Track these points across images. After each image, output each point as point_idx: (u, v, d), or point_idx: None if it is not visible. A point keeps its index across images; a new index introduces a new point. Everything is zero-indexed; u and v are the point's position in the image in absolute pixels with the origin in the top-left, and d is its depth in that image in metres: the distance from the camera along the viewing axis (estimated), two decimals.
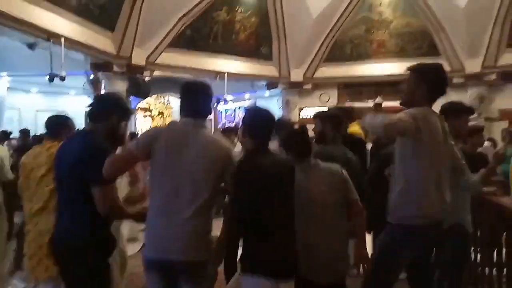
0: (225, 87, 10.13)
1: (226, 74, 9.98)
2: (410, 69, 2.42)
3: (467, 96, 9.36)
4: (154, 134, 2.06)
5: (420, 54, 9.64)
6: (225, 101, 11.42)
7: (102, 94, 2.15)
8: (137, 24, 7.92)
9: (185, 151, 1.97)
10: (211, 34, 9.43)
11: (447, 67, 9.36)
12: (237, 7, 9.37)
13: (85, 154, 1.96)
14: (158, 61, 8.96)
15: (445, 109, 2.88)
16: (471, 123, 3.18)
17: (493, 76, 9.03)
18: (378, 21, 9.76)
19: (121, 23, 7.73)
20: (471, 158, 2.85)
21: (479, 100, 9.18)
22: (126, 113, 2.27)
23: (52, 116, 2.93)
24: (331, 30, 9.98)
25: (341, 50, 10.41)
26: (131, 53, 8.26)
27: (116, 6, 7.49)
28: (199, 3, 8.64)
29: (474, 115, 9.20)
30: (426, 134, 2.14)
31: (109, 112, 2.16)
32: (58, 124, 2.83)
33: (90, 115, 2.18)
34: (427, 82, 2.31)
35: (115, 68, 8.27)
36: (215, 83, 10.15)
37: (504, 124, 8.58)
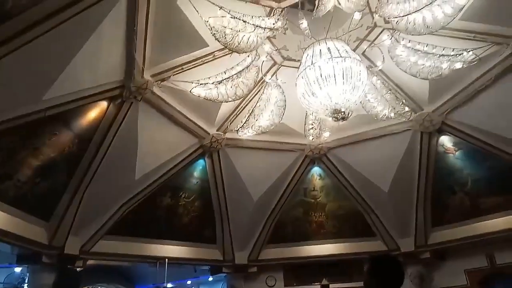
0: (165, 273, 9.53)
1: (166, 260, 9.53)
2: (367, 259, 2.47)
3: (408, 275, 9.53)
4: None
5: (356, 235, 10.13)
6: None
7: None
8: (76, 213, 7.76)
9: None
10: (154, 219, 9.40)
11: (383, 247, 9.91)
12: (181, 192, 9.70)
13: None
14: (94, 249, 8.49)
15: None
16: None
17: (427, 255, 9.47)
18: (314, 204, 10.44)
19: (58, 212, 7.55)
20: None
21: (419, 279, 9.35)
22: None
23: None
24: (271, 212, 10.39)
25: (283, 231, 10.65)
26: (65, 242, 7.82)
27: (56, 195, 7.43)
28: (143, 189, 8.87)
29: None
30: None
31: None
32: None
33: None
34: (377, 275, 2.31)
35: (44, 259, 7.63)
36: (155, 270, 9.60)
37: None
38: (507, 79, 7.20)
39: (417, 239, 9.49)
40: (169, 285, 11.29)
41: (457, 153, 8.79)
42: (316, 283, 10.15)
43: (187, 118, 8.40)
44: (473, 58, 6.46)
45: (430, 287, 9.43)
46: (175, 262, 9.76)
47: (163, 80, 7.40)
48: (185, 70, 7.35)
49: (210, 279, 11.49)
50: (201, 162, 9.61)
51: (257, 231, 10.52)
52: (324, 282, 10.01)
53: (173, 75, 7.36)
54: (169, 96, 7.90)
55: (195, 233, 10.09)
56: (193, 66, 7.34)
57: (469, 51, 6.47)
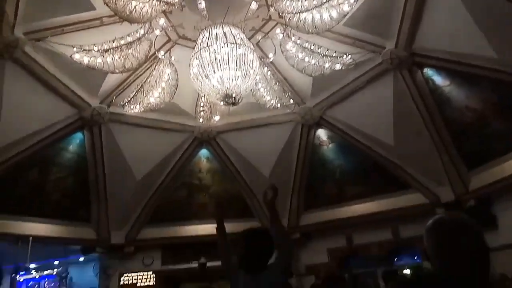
0: (28, 253, 8.63)
1: (30, 238, 8.62)
2: (241, 235, 2.75)
3: None
4: None
5: (237, 216, 10.50)
6: (27, 270, 9.64)
7: None
8: None
9: None
10: (16, 195, 8.36)
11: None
12: (52, 167, 8.82)
13: None
14: None
15: None
16: None
17: (297, 235, 10.34)
18: (198, 186, 10.53)
19: None
20: None
21: None
22: None
23: None
24: (154, 192, 10.15)
25: (165, 211, 10.50)
26: None
27: None
28: (4, 161, 7.80)
29: None
30: None
31: None
32: None
33: None
34: (261, 245, 2.65)
35: None
36: (15, 249, 8.63)
37: (311, 279, 9.58)
38: (376, 84, 8.19)
39: (290, 221, 10.27)
40: (33, 265, 10.30)
41: (330, 146, 9.74)
42: (194, 262, 10.30)
43: (64, 85, 7.61)
44: (351, 62, 7.19)
45: (297, 265, 10.29)
46: (40, 241, 8.89)
47: (38, 40, 6.56)
48: (66, 33, 6.63)
49: (81, 259, 10.78)
50: (79, 135, 8.83)
51: (137, 211, 10.19)
52: (202, 260, 10.22)
53: (51, 36, 6.58)
54: (45, 59, 7.05)
55: (66, 211, 9.30)
56: (76, 29, 6.65)
57: (348, 55, 7.17)
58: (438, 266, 1.37)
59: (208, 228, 10.42)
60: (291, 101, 8.38)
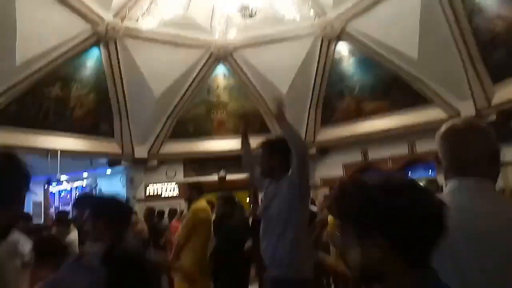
0: (58, 165, 9.16)
1: (59, 152, 9.08)
2: (260, 146, 2.72)
3: None
4: None
5: (254, 131, 10.68)
6: (58, 181, 10.30)
7: None
8: None
9: None
10: (41, 111, 8.61)
11: None
12: (73, 83, 8.92)
13: None
14: None
15: None
16: None
17: (314, 151, 10.57)
18: (216, 103, 10.60)
19: None
20: None
21: None
22: None
23: None
24: (173, 109, 10.32)
25: (184, 127, 10.78)
26: None
27: None
28: (27, 77, 7.91)
29: None
30: None
31: None
32: None
33: None
34: (279, 153, 2.63)
35: None
36: (46, 162, 9.15)
37: (326, 190, 9.99)
38: None
39: (306, 137, 10.43)
40: (63, 177, 10.96)
41: (350, 60, 9.44)
42: (214, 174, 10.79)
43: None
44: None
45: (313, 176, 10.64)
46: (68, 154, 9.36)
47: None
48: None
49: (108, 172, 11.41)
50: (95, 51, 8.77)
51: (158, 127, 10.48)
52: (222, 173, 10.68)
53: None
54: None
55: (90, 126, 9.64)
56: None
57: None
58: (446, 168, 1.39)
59: (227, 143, 10.78)
60: (311, 12, 7.96)
